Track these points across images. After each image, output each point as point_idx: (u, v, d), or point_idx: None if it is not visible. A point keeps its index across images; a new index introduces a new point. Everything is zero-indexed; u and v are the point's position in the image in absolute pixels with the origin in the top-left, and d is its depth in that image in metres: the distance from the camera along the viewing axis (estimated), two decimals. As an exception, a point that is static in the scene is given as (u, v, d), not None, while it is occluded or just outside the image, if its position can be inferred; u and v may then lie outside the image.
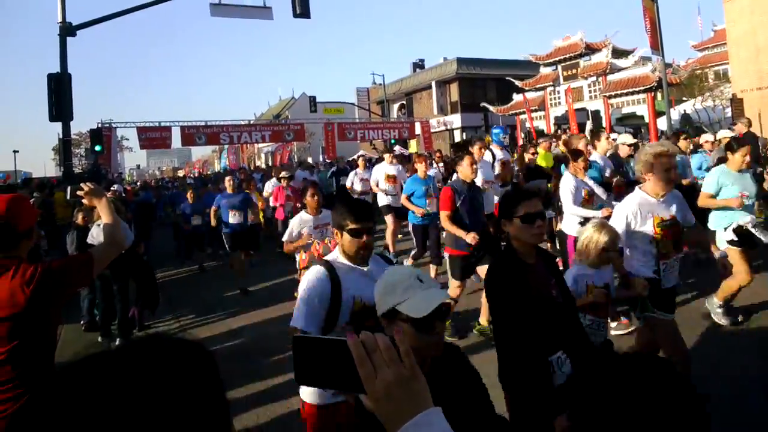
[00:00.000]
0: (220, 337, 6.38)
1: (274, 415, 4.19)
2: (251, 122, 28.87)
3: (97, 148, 16.24)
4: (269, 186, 12.29)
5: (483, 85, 36.95)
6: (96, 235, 5.88)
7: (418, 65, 43.94)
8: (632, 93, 25.68)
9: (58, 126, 13.66)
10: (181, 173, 62.58)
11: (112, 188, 9.20)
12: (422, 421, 0.80)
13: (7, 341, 2.12)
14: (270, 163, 38.26)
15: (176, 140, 23.54)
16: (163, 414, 0.65)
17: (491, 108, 32.55)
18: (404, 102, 42.33)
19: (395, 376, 0.81)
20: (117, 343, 6.29)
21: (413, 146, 30.51)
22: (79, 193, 2.68)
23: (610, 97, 26.37)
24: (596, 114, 27.22)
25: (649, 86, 24.50)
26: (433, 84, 37.85)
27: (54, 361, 2.32)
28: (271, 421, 4.14)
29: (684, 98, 27.59)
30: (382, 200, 9.83)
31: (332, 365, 0.84)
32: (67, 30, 13.39)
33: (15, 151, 49.68)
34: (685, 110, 26.24)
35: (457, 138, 36.08)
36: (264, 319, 6.94)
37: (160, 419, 0.65)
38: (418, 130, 30.49)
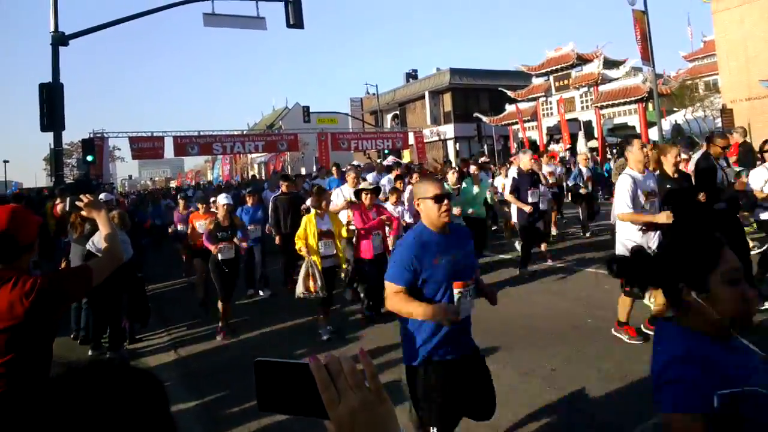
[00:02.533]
0: (212, 350, 6.31)
1: (266, 428, 4.12)
2: (244, 132, 28.82)
3: (89, 158, 16.16)
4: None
5: (476, 96, 37.17)
6: (97, 242, 5.80)
7: (412, 75, 44.14)
8: (624, 103, 25.89)
9: (49, 136, 13.58)
10: (173, 184, 62.38)
11: (100, 198, 9.11)
12: None
13: (4, 353, 2.12)
14: (264, 174, 38.19)
15: (169, 150, 23.48)
16: None
17: (484, 118, 32.73)
18: (397, 112, 42.47)
19: (360, 401, 0.78)
20: (107, 356, 6.20)
21: (407, 156, 30.57)
22: (78, 204, 2.71)
23: (601, 107, 26.58)
24: (588, 124, 27.43)
25: (640, 97, 24.72)
26: (427, 94, 38.02)
27: (50, 374, 2.30)
28: (264, 435, 4.08)
29: (675, 108, 27.88)
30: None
31: (295, 390, 0.80)
32: (60, 39, 13.35)
33: (5, 161, 49.35)
34: (676, 120, 26.50)
35: (450, 148, 36.24)
36: (256, 331, 6.87)
37: None
38: (411, 140, 30.57)
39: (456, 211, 7.34)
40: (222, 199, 7.15)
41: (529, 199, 8.19)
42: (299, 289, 6.08)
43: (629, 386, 4.24)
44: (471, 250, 3.12)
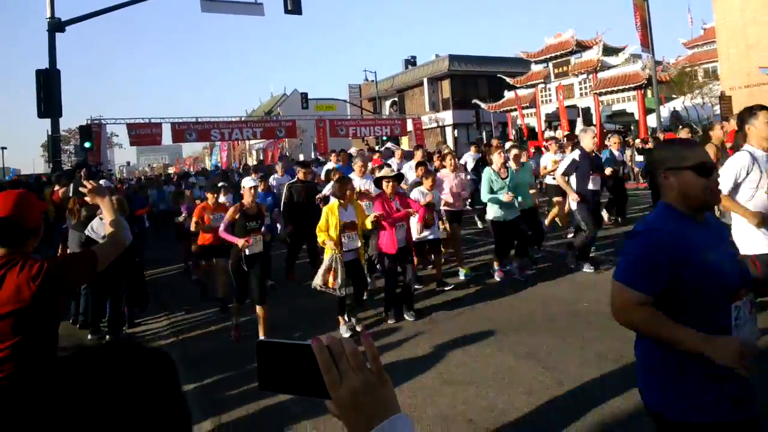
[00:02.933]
0: (210, 334, 6.38)
1: (264, 410, 4.19)
2: (242, 119, 28.73)
3: (87, 144, 16.12)
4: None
5: (474, 82, 37.03)
6: (96, 228, 5.83)
7: (410, 62, 43.94)
8: (622, 90, 25.83)
9: (47, 122, 13.57)
10: (171, 170, 62.27)
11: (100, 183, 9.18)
12: (388, 428, 0.78)
13: (12, 336, 2.16)
14: (261, 160, 38.11)
15: (167, 137, 23.43)
16: (115, 421, 0.65)
17: (483, 105, 32.63)
18: (396, 99, 42.32)
19: (362, 383, 0.79)
20: (107, 339, 6.27)
21: (405, 143, 30.53)
22: (82, 190, 2.75)
23: (600, 94, 26.52)
24: (587, 111, 27.38)
25: (639, 84, 24.66)
26: (425, 81, 37.87)
27: (56, 357, 2.34)
28: (262, 416, 4.15)
29: (673, 96, 27.81)
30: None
31: (297, 371, 0.81)
32: (56, 25, 13.27)
33: (3, 148, 49.12)
34: (674, 107, 26.46)
35: (449, 134, 36.17)
36: (254, 316, 6.93)
37: (112, 425, 0.65)
38: (410, 126, 30.53)
39: (507, 197, 6.83)
40: (248, 181, 6.27)
41: (590, 186, 7.26)
42: (317, 281, 5.74)
43: (624, 368, 4.31)
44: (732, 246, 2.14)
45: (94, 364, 0.70)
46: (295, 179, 8.50)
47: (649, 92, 23.95)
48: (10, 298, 2.13)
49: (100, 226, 5.78)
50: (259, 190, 7.56)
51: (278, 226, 8.66)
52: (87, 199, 2.80)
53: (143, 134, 22.92)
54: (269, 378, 0.83)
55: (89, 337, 6.43)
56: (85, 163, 17.08)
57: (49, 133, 14.63)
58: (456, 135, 35.85)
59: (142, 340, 6.40)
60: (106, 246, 2.61)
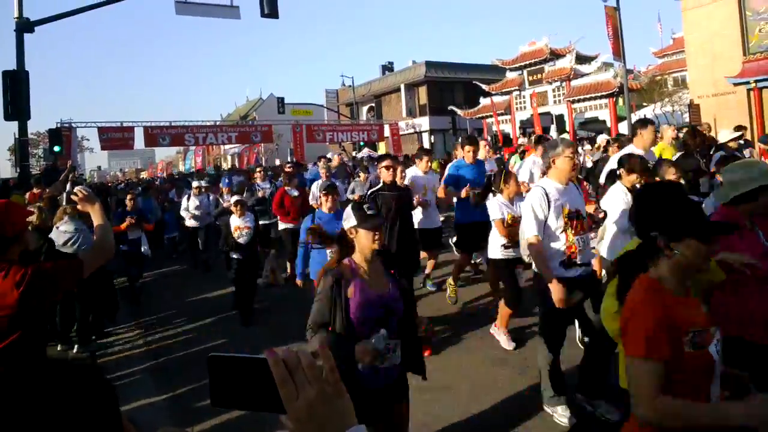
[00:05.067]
0: (183, 343, 6.26)
1: (239, 420, 4.12)
2: (217, 123, 28.42)
3: (56, 148, 15.71)
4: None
5: (451, 89, 37.30)
6: (55, 238, 5.68)
7: (387, 68, 44.06)
8: (595, 98, 26.30)
9: (13, 125, 13.19)
10: (144, 175, 61.27)
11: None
12: None
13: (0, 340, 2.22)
14: (237, 165, 37.72)
15: (139, 141, 23.04)
16: None
17: (459, 111, 32.88)
18: (373, 104, 42.37)
19: (318, 395, 0.77)
20: (75, 350, 6.10)
21: (382, 148, 30.56)
22: (73, 198, 2.84)
23: (573, 101, 26.96)
24: (560, 118, 27.80)
25: (611, 91, 25.14)
26: (402, 87, 38.00)
27: (45, 360, 2.34)
28: (235, 426, 4.07)
29: (644, 103, 28.41)
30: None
31: (251, 385, 0.79)
32: (25, 25, 12.92)
33: (-32, 151, 47.71)
34: (645, 115, 26.99)
35: (425, 140, 36.35)
36: (226, 324, 6.84)
37: None
38: (387, 132, 30.57)
39: None
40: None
41: None
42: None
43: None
44: None
45: (20, 385, 0.69)
46: (379, 183, 5.91)
47: (620, 100, 24.43)
48: None
49: (59, 236, 5.70)
50: (324, 209, 5.53)
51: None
52: (78, 206, 2.86)
53: (115, 138, 22.48)
54: (222, 394, 0.80)
55: (58, 348, 6.25)
56: (55, 167, 16.70)
57: (17, 136, 14.22)
58: (432, 141, 36.03)
59: (100, 353, 6.25)
60: (93, 252, 2.67)
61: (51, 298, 2.45)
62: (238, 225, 6.89)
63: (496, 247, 5.33)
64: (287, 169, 10.36)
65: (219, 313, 7.24)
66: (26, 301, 2.23)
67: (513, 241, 5.02)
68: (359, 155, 24.48)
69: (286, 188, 8.71)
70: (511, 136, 28.18)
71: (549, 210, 3.73)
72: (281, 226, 8.69)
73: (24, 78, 12.63)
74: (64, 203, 6.47)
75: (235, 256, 6.91)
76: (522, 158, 12.41)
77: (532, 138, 9.55)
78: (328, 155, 14.47)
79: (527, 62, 29.33)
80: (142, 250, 8.41)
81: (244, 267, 6.94)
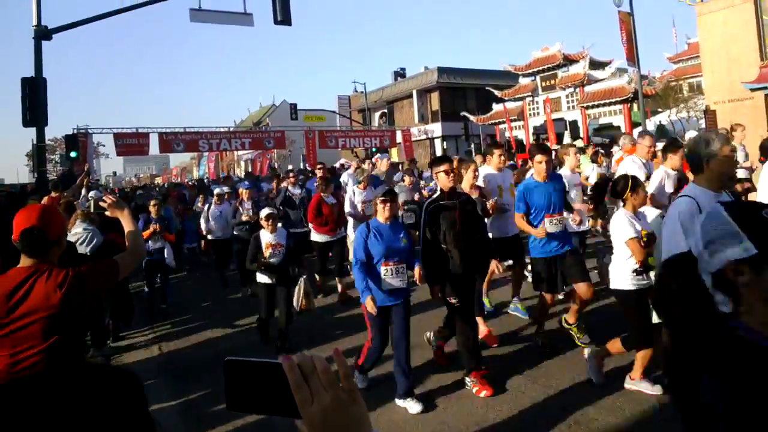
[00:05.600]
0: (196, 348, 6.28)
1: (250, 426, 4.11)
2: (231, 129, 28.63)
3: (73, 154, 15.96)
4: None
5: (463, 95, 37.25)
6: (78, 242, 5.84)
7: (400, 74, 44.12)
8: (609, 104, 26.11)
9: (32, 131, 13.38)
10: (158, 180, 61.91)
11: (90, 195, 8.97)
12: None
13: (42, 341, 2.32)
14: (250, 171, 37.94)
15: (154, 147, 23.27)
16: None
17: (471, 117, 32.81)
18: (385, 110, 42.44)
19: (333, 401, 0.77)
20: (90, 353, 6.14)
21: (394, 154, 30.58)
22: (102, 204, 2.95)
23: (587, 107, 26.78)
24: (574, 124, 27.62)
25: (625, 97, 24.95)
26: (414, 93, 38.03)
27: (84, 360, 2.57)
28: (248, 430, 4.07)
29: (659, 109, 28.18)
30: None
31: (266, 390, 0.80)
32: (43, 33, 13.14)
33: (-13, 157, 48.49)
34: (660, 121, 26.78)
35: (438, 146, 36.32)
36: (240, 329, 6.85)
37: None
38: (399, 138, 30.61)
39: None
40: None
41: None
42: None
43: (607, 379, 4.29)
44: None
45: (59, 386, 0.69)
46: (436, 191, 4.82)
47: (635, 106, 24.24)
48: (40, 305, 2.30)
49: (71, 238, 5.78)
50: (381, 218, 4.54)
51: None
52: (107, 213, 2.97)
53: (130, 144, 22.73)
54: (237, 397, 0.81)
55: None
56: (71, 173, 16.93)
57: (35, 142, 14.43)
58: (445, 147, 35.98)
59: (115, 358, 6.28)
60: (127, 255, 2.76)
61: (91, 299, 2.56)
62: (270, 242, 5.87)
63: (625, 274, 4.12)
64: (320, 173, 9.53)
65: (234, 319, 7.25)
66: (68, 302, 2.34)
67: (646, 265, 4.06)
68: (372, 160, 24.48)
69: (322, 195, 7.91)
70: (525, 143, 28.08)
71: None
72: (316, 237, 7.97)
73: (42, 85, 12.83)
74: (91, 208, 6.56)
75: (264, 279, 5.89)
76: (595, 161, 11.67)
77: (625, 139, 7.67)
78: (357, 163, 13.43)
79: (540, 68, 29.22)
80: (166, 260, 7.87)
81: (275, 293, 5.91)
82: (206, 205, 9.81)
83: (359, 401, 0.80)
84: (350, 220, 8.08)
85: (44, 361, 2.31)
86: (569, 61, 28.08)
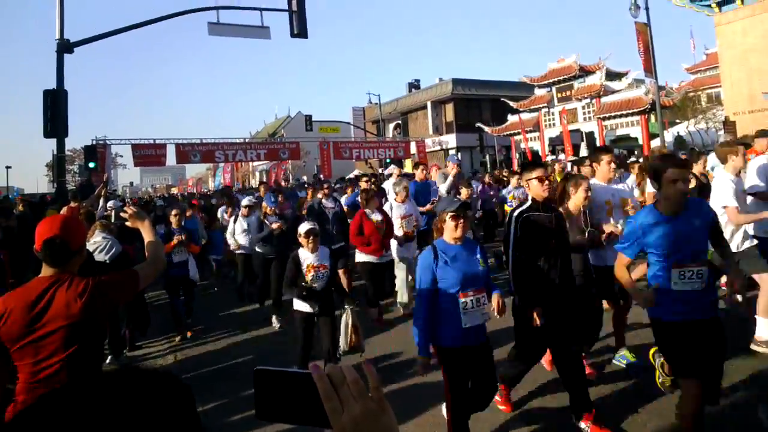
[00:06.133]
0: (212, 359, 6.26)
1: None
2: (246, 140, 28.86)
3: (91, 164, 16.16)
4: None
5: (478, 106, 37.26)
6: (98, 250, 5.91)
7: (414, 85, 44.30)
8: (626, 115, 25.91)
9: (51, 142, 13.60)
10: (174, 191, 62.59)
11: (108, 205, 9.05)
12: None
13: (63, 349, 2.33)
14: (265, 181, 38.17)
15: (171, 157, 23.52)
16: None
17: (486, 128, 32.76)
18: (400, 121, 42.56)
19: (363, 411, 0.78)
20: (108, 361, 6.16)
21: (408, 166, 30.56)
22: (123, 215, 2.98)
23: (604, 118, 26.60)
24: (590, 135, 27.44)
25: (642, 108, 24.74)
26: (429, 104, 38.12)
27: (102, 370, 2.55)
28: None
29: (677, 120, 27.91)
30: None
31: (296, 399, 0.80)
32: (65, 46, 13.39)
33: (8, 167, 49.37)
34: (678, 132, 26.50)
35: (452, 158, 36.23)
36: (256, 339, 6.84)
37: None
38: (413, 149, 30.61)
39: None
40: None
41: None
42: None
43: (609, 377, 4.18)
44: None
45: (113, 390, 0.69)
46: (527, 201, 4.05)
47: (652, 117, 24.02)
48: (60, 314, 2.32)
49: (90, 247, 5.83)
50: (449, 238, 3.65)
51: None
52: (128, 223, 2.99)
53: (147, 155, 23.00)
54: (266, 407, 0.81)
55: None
56: (90, 183, 17.15)
57: (55, 153, 14.65)
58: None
59: (150, 366, 6.28)
60: (147, 265, 2.78)
61: (111, 308, 2.58)
62: (312, 263, 4.93)
63: None
64: (365, 185, 8.79)
65: (249, 330, 7.24)
66: (88, 311, 2.35)
67: None
68: (386, 172, 24.52)
69: (366, 211, 7.00)
70: (540, 154, 27.93)
71: None
72: (360, 258, 7.07)
73: (63, 97, 13.06)
74: (111, 218, 6.62)
75: (303, 308, 4.95)
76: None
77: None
78: (390, 169, 12.94)
79: (556, 79, 29.14)
80: (190, 274, 7.38)
81: (316, 325, 4.97)
82: (233, 217, 8.84)
83: (388, 411, 0.81)
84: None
85: (65, 369, 2.33)
86: (585, 72, 27.97)
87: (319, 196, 8.63)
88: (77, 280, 2.41)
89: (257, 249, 7.85)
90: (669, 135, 24.80)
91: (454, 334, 3.41)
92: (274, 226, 7.57)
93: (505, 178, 15.98)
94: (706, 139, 25.24)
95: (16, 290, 2.43)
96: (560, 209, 4.30)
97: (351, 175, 24.68)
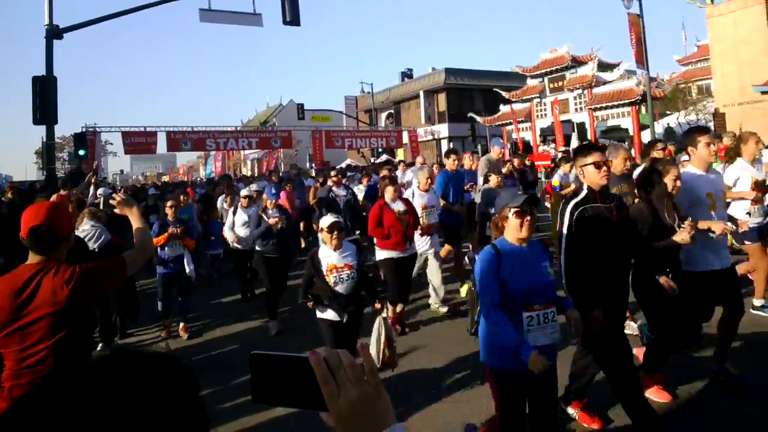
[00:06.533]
0: (204, 345, 6.30)
1: (258, 425, 4.12)
2: (238, 128, 28.71)
3: (81, 152, 16.06)
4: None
5: (470, 96, 37.23)
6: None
7: (407, 75, 44.14)
8: (617, 106, 26.02)
9: (41, 129, 13.48)
10: (165, 179, 62.20)
11: (99, 192, 9.00)
12: None
13: (50, 337, 2.33)
14: (256, 171, 38.03)
15: (161, 145, 23.40)
16: (136, 428, 0.65)
17: (478, 118, 32.78)
18: (392, 111, 42.46)
19: (360, 395, 0.80)
20: (99, 348, 6.18)
21: (400, 155, 30.57)
22: (111, 202, 2.97)
23: (595, 109, 26.69)
24: (581, 126, 27.54)
25: (633, 99, 24.85)
26: (421, 93, 38.04)
27: (90, 357, 2.51)
28: (255, 430, 4.08)
29: (668, 112, 28.07)
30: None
31: (293, 383, 0.81)
32: (54, 32, 13.23)
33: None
34: (668, 124, 26.68)
35: (444, 147, 36.28)
36: (249, 328, 6.87)
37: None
38: (405, 139, 30.60)
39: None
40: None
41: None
42: None
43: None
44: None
45: (116, 372, 0.69)
46: (583, 191, 3.53)
47: (643, 108, 24.13)
48: (47, 301, 2.32)
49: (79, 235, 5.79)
50: (512, 237, 3.16)
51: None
52: (116, 210, 2.97)
53: (138, 142, 22.83)
54: (263, 390, 0.83)
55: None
56: (80, 170, 17.02)
57: (44, 140, 14.53)
58: (451, 148, 36.00)
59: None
60: (135, 252, 2.77)
61: (98, 295, 2.58)
62: (335, 263, 4.29)
63: None
64: (385, 172, 8.18)
65: (241, 318, 7.27)
66: (75, 299, 2.35)
67: None
68: (378, 161, 24.50)
69: (386, 200, 6.29)
70: (532, 144, 28.02)
71: None
72: (380, 255, 6.34)
73: (52, 84, 12.94)
74: (101, 205, 6.57)
75: (326, 315, 4.36)
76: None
77: None
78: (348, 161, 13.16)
79: (548, 69, 29.16)
80: (187, 270, 6.77)
81: (345, 335, 4.32)
82: (231, 209, 8.17)
83: (384, 395, 0.83)
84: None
85: (52, 356, 2.33)
86: (577, 62, 28.01)
87: (330, 183, 8.15)
88: (64, 267, 2.41)
89: (257, 248, 6.80)
90: (659, 126, 24.96)
91: (516, 359, 2.71)
92: (272, 221, 6.54)
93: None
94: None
95: (2, 277, 2.43)
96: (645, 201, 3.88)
97: (342, 165, 24.65)
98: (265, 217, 6.67)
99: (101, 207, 6.54)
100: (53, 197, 8.12)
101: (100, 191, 9.04)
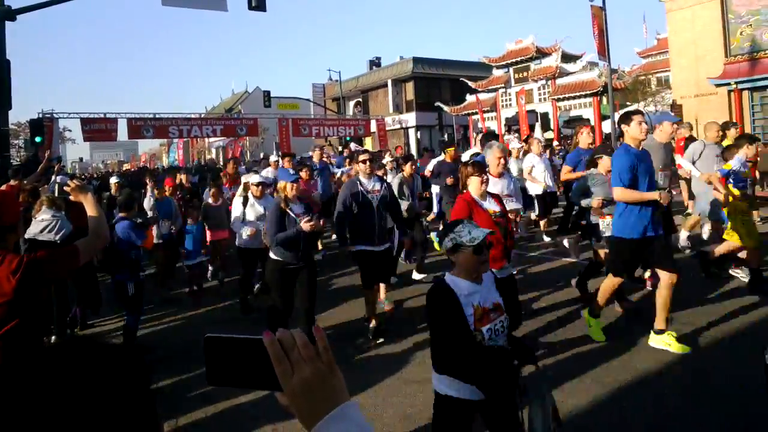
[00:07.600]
0: (167, 335, 6.25)
1: (222, 412, 4.13)
2: (202, 116, 28.18)
3: (37, 139, 15.48)
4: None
5: (438, 85, 37.40)
6: (34, 228, 5.61)
7: (375, 63, 44.02)
8: (579, 96, 26.56)
9: (-6, 115, 12.96)
10: (126, 167, 60.70)
11: (57, 180, 8.72)
12: (339, 415, 0.81)
13: None
14: (222, 159, 37.43)
15: (122, 132, 22.82)
16: (83, 414, 0.66)
17: (445, 108, 32.99)
18: (360, 99, 42.31)
19: (313, 373, 0.81)
20: (52, 340, 6.06)
21: (368, 143, 30.53)
22: (66, 189, 2.99)
23: (558, 100, 27.18)
24: (545, 116, 28.02)
25: (595, 90, 25.41)
26: (389, 82, 38.01)
27: (42, 347, 2.46)
28: (219, 418, 4.09)
29: (628, 103, 28.75)
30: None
31: (247, 364, 0.82)
32: (6, 13, 12.70)
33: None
34: (629, 115, 27.33)
35: (411, 136, 36.39)
36: (212, 316, 6.83)
37: (80, 419, 0.66)
38: (373, 127, 30.60)
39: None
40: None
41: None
42: None
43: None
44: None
45: (62, 361, 0.70)
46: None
47: (604, 99, 24.69)
48: None
49: (37, 225, 5.61)
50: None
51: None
52: (71, 197, 2.92)
53: (98, 129, 22.19)
54: (218, 372, 0.83)
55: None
56: (36, 158, 16.43)
57: (-3, 126, 13.97)
58: (419, 137, 36.11)
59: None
60: (89, 240, 2.71)
61: (47, 285, 2.53)
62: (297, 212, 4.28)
63: None
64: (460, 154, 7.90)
65: (205, 306, 7.21)
66: (23, 289, 2.29)
67: None
68: (346, 151, 24.40)
69: (474, 196, 4.52)
70: (497, 133, 28.35)
71: None
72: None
73: (6, 67, 12.42)
74: (56, 193, 6.39)
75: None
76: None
77: None
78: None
79: (513, 60, 29.51)
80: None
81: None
82: (239, 199, 7.02)
83: (337, 373, 0.84)
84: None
85: (0, 348, 2.29)
86: (542, 53, 28.41)
87: (360, 175, 5.76)
88: (10, 257, 2.34)
89: (272, 255, 5.09)
90: (619, 117, 25.53)
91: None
92: (305, 226, 4.76)
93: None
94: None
95: None
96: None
97: (309, 153, 24.47)
98: (291, 213, 4.97)
99: (56, 194, 6.36)
100: (2, 187, 7.86)
101: (58, 179, 8.79)
